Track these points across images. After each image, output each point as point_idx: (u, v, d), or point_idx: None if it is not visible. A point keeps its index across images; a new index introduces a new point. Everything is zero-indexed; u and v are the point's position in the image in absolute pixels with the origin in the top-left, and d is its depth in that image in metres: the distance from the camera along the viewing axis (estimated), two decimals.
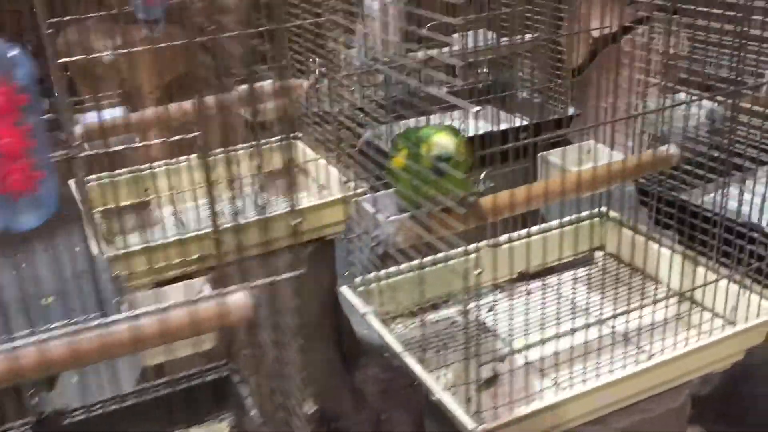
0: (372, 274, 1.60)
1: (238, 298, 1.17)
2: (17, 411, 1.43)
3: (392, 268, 1.57)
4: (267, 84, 2.33)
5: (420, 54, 2.15)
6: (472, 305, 1.65)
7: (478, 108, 1.12)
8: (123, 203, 2.08)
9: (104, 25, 2.45)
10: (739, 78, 1.58)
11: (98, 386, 1.55)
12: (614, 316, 1.68)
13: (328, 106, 2.26)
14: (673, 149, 1.67)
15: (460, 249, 1.26)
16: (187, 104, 2.24)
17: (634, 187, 2.01)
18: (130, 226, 2.09)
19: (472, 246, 1.19)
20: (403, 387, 2.35)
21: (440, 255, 1.34)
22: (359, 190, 1.62)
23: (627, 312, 1.67)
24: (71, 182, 2.06)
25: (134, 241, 1.92)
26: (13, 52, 0.97)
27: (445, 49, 2.60)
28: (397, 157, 1.42)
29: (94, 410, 1.41)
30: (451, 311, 1.67)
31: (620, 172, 1.60)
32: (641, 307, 1.68)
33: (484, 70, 2.91)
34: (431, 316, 1.65)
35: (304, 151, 2.48)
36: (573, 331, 1.59)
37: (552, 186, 1.49)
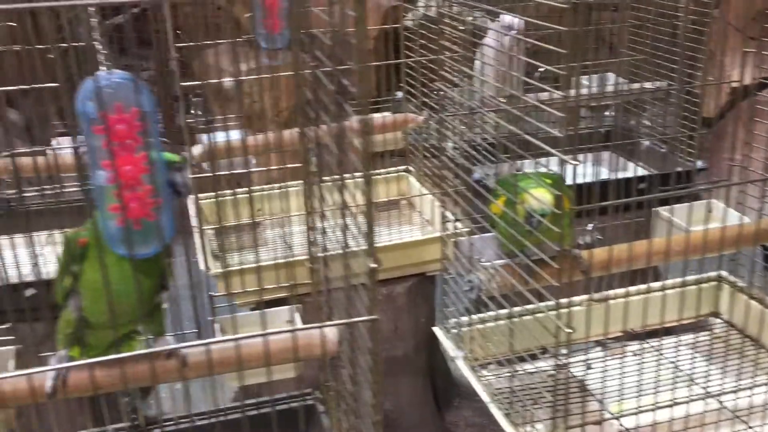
0: (465, 318, 1.57)
1: (326, 333, 1.18)
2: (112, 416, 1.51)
3: (484, 314, 1.53)
4: (380, 116, 2.38)
5: (536, 96, 2.12)
6: (565, 362, 1.58)
7: (576, 162, 1.08)
8: (236, 222, 2.16)
9: (238, 50, 2.58)
10: None
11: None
12: (722, 393, 1.55)
13: (438, 141, 2.26)
14: None
15: (551, 303, 1.21)
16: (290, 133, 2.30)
17: (761, 250, 1.87)
18: (239, 245, 2.17)
19: (564, 301, 1.14)
20: None
21: (531, 306, 1.30)
22: (461, 230, 1.60)
23: (737, 390, 1.55)
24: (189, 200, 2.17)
25: (242, 260, 1.98)
26: (132, 80, 0.99)
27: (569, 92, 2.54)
28: (495, 204, 1.39)
29: (183, 422, 1.46)
30: (546, 364, 1.60)
31: (736, 237, 1.49)
32: (753, 385, 1.54)
33: (611, 113, 2.82)
34: (527, 367, 1.59)
35: (413, 184, 2.49)
36: (675, 402, 1.48)
37: (658, 246, 1.40)
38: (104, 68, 1.01)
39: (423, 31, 2.23)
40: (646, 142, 2.65)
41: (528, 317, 1.38)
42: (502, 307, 1.42)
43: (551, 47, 1.11)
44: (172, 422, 1.46)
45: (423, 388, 2.32)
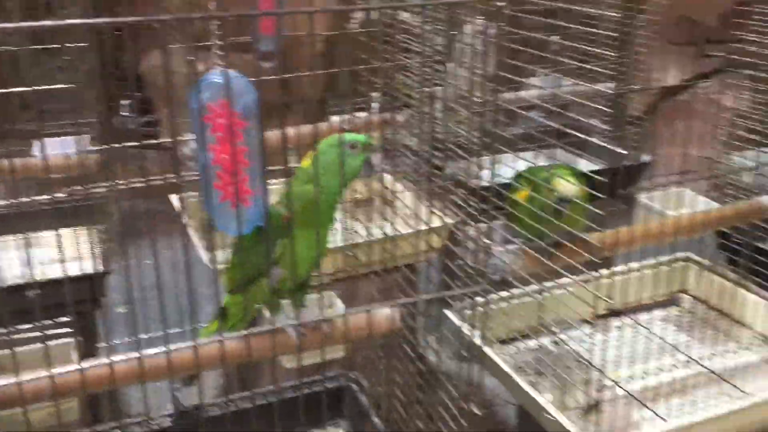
0: (480, 299, 1.70)
1: (387, 313, 1.29)
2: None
3: (494, 295, 1.67)
4: (363, 116, 2.47)
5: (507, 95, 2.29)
6: (564, 336, 1.75)
7: (625, 152, 1.24)
8: None
9: (185, 51, 2.59)
10: None
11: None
12: (707, 356, 1.77)
13: (409, 139, 2.37)
14: (766, 200, 1.78)
15: (582, 277, 1.37)
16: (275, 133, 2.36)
17: (714, 233, 2.12)
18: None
19: (605, 271, 1.30)
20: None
21: (564, 281, 1.46)
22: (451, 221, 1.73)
23: (716, 353, 1.76)
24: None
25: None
26: (239, 81, 1.06)
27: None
28: (521, 192, 1.54)
29: (227, 407, 1.51)
30: (546, 340, 1.76)
31: (717, 219, 1.72)
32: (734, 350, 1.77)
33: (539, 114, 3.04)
34: (529, 344, 1.75)
35: (389, 181, 2.60)
36: (672, 366, 1.68)
37: (664, 227, 1.60)
38: (218, 67, 1.07)
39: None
40: (593, 139, 2.88)
41: (556, 292, 1.53)
42: (525, 286, 1.56)
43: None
44: (215, 406, 1.51)
45: (412, 374, 2.43)
